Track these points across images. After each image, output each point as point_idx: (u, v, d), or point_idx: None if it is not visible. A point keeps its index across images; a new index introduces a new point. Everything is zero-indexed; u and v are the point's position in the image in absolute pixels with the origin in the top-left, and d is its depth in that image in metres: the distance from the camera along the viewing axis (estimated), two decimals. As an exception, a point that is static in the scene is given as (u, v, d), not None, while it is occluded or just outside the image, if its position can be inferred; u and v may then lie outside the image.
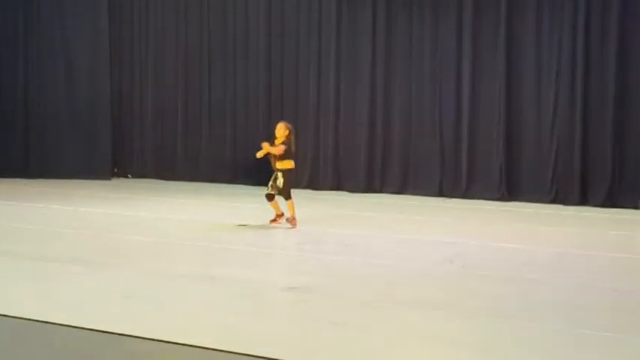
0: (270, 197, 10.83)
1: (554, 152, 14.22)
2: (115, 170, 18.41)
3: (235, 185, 16.42)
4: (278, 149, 10.65)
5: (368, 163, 15.79)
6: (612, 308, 6.76)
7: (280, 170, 10.75)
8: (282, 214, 10.96)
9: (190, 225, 11.21)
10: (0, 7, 17.89)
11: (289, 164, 10.80)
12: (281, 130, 10.80)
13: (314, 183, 16.22)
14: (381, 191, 15.62)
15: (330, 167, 16.14)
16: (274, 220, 11.00)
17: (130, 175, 18.42)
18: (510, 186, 14.57)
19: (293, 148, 10.87)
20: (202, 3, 17.51)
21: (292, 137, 10.84)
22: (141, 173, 18.27)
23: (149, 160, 18.27)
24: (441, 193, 15.08)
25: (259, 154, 10.91)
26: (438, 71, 15.18)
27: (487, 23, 14.76)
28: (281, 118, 16.35)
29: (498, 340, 5.74)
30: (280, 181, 10.71)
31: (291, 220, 10.85)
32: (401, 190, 15.48)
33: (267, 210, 10.87)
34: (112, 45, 18.07)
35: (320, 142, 16.26)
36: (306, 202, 14.13)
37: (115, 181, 17.77)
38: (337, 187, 16.02)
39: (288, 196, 10.80)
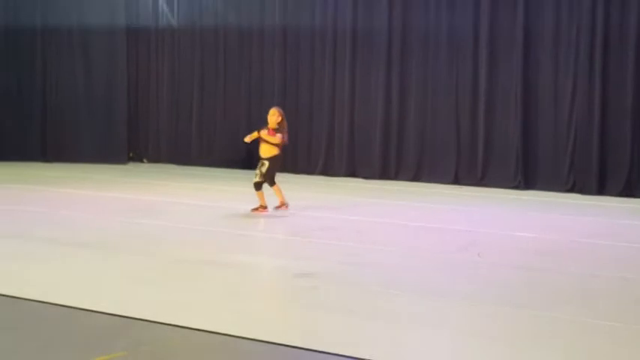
0: (257, 186, 10.65)
1: (572, 141, 14.12)
2: (131, 155, 18.51)
3: (249, 171, 16.35)
4: (276, 138, 10.56)
5: (383, 149, 15.76)
6: (626, 298, 6.71)
7: (266, 158, 10.63)
8: (266, 207, 10.68)
9: (204, 210, 11.23)
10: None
11: (273, 150, 10.64)
12: (274, 116, 10.67)
13: (328, 169, 16.22)
14: (396, 178, 15.59)
15: (344, 154, 16.12)
16: (256, 210, 10.72)
17: (145, 160, 18.50)
18: (527, 174, 14.50)
19: (285, 134, 10.72)
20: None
21: (284, 123, 10.73)
22: (156, 158, 18.36)
23: (164, 146, 18.35)
24: (456, 180, 15.03)
25: (248, 139, 10.83)
26: (455, 58, 15.11)
27: (505, 9, 14.66)
28: (297, 106, 16.51)
29: (510, 329, 5.71)
30: (265, 168, 10.59)
31: (282, 206, 10.75)
32: (416, 177, 15.45)
33: (275, 196, 10.83)
34: (129, 32, 18.13)
35: (335, 129, 16.25)
36: (320, 189, 14.19)
37: (131, 166, 17.88)
38: (352, 173, 16.01)
39: (272, 182, 10.67)
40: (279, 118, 10.68)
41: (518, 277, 7.47)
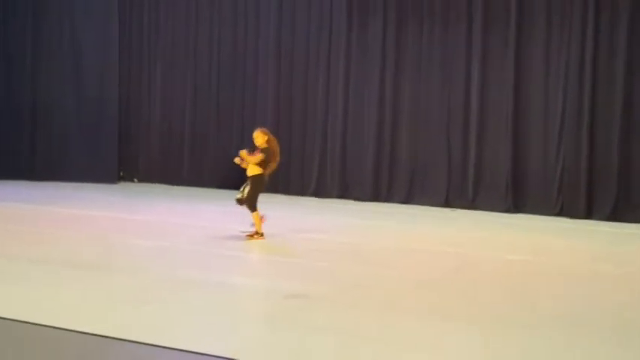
0: (239, 202, 10.41)
1: (561, 165, 14.19)
2: (121, 174, 18.43)
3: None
4: (255, 159, 10.26)
5: (374, 171, 15.77)
6: (617, 322, 6.71)
7: (250, 177, 10.39)
8: (262, 234, 10.38)
9: (194, 230, 11.20)
10: (10, 12, 17.95)
11: (256, 169, 10.31)
12: (259, 137, 10.39)
13: (320, 191, 16.21)
14: (387, 200, 15.58)
15: (336, 176, 16.12)
16: (251, 236, 10.43)
17: (136, 180, 18.43)
18: (517, 198, 14.54)
19: (272, 154, 10.38)
20: (213, 11, 17.56)
21: (273, 144, 10.42)
22: (147, 178, 18.28)
23: (155, 165, 18.28)
24: (447, 203, 15.04)
25: (237, 161, 10.47)
26: (447, 82, 15.17)
27: (496, 35, 14.75)
28: (289, 127, 16.52)
29: (500, 351, 5.71)
30: (247, 189, 10.36)
31: (255, 234, 10.36)
32: (407, 199, 15.45)
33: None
34: (121, 50, 18.12)
35: (327, 150, 16.26)
36: (312, 211, 14.16)
37: (121, 185, 17.80)
38: (343, 195, 16.00)
39: (252, 208, 10.32)
40: (265, 137, 10.39)
41: (509, 300, 7.46)
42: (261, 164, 10.32)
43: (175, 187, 17.40)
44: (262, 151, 10.32)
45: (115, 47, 17.93)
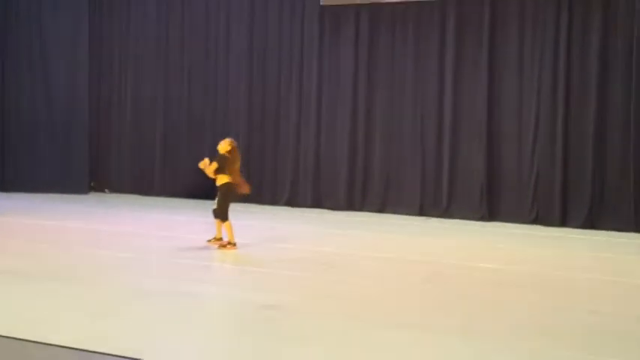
0: (215, 213, 10.40)
1: (535, 174, 14.25)
2: (92, 185, 18.23)
3: (212, 201, 16.28)
4: (210, 169, 10.17)
5: (348, 181, 15.75)
6: (588, 330, 6.67)
7: (218, 186, 10.28)
8: (221, 239, 10.39)
9: (166, 241, 11.06)
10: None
11: (224, 178, 10.20)
12: (221, 145, 10.31)
13: (293, 200, 16.15)
14: (361, 210, 15.56)
15: (310, 185, 16.05)
16: (212, 241, 10.47)
17: (107, 190, 18.23)
18: (491, 206, 14.57)
19: (235, 164, 10.27)
20: (183, 18, 17.49)
21: (235, 153, 10.30)
22: (118, 188, 18.11)
23: (127, 175, 18.11)
24: (421, 212, 15.05)
25: (201, 165, 10.35)
26: (420, 91, 15.21)
27: (469, 46, 14.81)
28: (262, 136, 16.45)
29: (475, 358, 5.65)
30: (218, 197, 10.30)
31: (227, 244, 10.28)
32: (381, 208, 15.43)
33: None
34: (91, 59, 17.95)
35: (300, 160, 16.21)
36: (285, 220, 14.07)
37: (92, 196, 17.60)
38: (317, 204, 15.93)
39: (224, 218, 10.23)
40: (228, 147, 10.29)
41: (482, 309, 7.40)
42: (221, 171, 10.18)
43: (146, 198, 17.26)
44: (218, 157, 10.23)
45: (85, 57, 17.76)
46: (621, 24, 13.59)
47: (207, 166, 10.24)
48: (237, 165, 10.37)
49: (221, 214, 10.27)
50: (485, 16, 14.56)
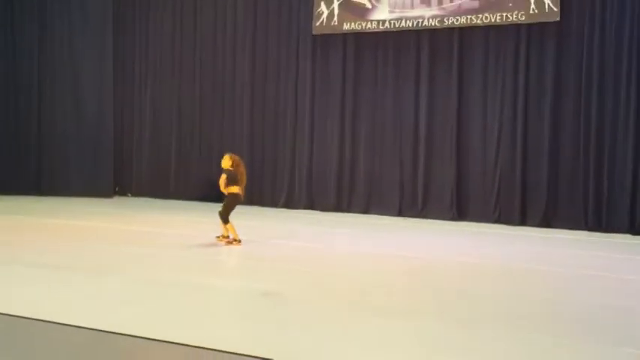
0: (220, 215, 10.42)
1: (498, 180, 14.29)
2: (117, 189, 18.21)
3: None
4: (221, 183, 10.28)
5: (337, 186, 15.77)
6: (548, 316, 6.72)
7: (227, 194, 10.36)
8: (228, 237, 10.40)
9: (180, 239, 11.07)
10: (18, 44, 17.70)
11: (232, 189, 10.31)
12: (225, 161, 10.39)
13: (290, 203, 16.16)
14: (348, 211, 15.57)
15: (304, 190, 16.08)
16: (220, 238, 10.49)
17: (129, 194, 18.21)
18: (460, 208, 14.61)
19: (239, 176, 10.36)
20: (195, 46, 17.49)
21: (239, 165, 10.40)
22: (139, 192, 18.09)
23: (146, 181, 18.09)
24: (400, 213, 15.07)
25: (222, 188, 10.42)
26: (399, 108, 15.23)
27: (441, 69, 14.85)
28: (263, 147, 16.48)
29: (449, 343, 5.68)
30: (224, 204, 10.38)
31: (233, 241, 10.30)
32: (365, 210, 15.45)
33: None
34: (116, 82, 17.92)
35: (295, 168, 16.23)
36: (283, 220, 14.09)
37: (116, 199, 17.57)
38: (310, 206, 15.95)
39: (224, 220, 10.30)
40: (230, 162, 10.37)
41: (457, 298, 7.44)
42: (231, 183, 10.28)
43: (163, 200, 17.24)
44: (225, 172, 10.31)
45: (110, 80, 17.73)
46: (572, 51, 13.68)
47: (221, 184, 10.34)
48: (243, 172, 10.43)
49: (223, 217, 10.35)
50: (455, 44, 14.62)
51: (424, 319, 6.38)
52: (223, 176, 10.33)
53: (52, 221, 12.80)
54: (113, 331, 5.56)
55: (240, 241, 10.32)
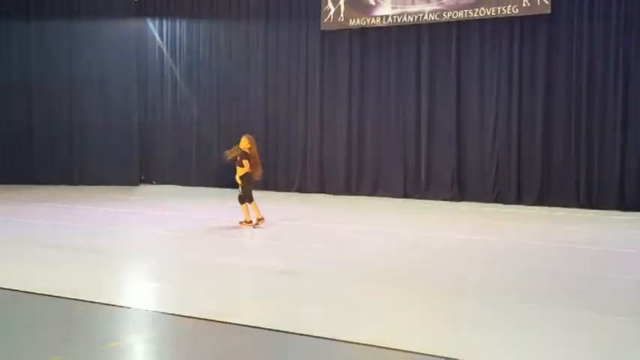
0: (240, 199, 10.40)
1: (495, 162, 14.30)
2: (142, 178, 18.34)
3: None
4: (241, 170, 10.18)
5: (346, 171, 15.82)
6: (551, 287, 6.77)
7: (240, 177, 10.28)
8: (250, 222, 10.34)
9: (202, 222, 11.17)
10: (49, 53, 17.80)
11: (243, 170, 10.20)
12: (244, 142, 10.29)
13: (303, 187, 16.23)
14: (356, 194, 15.63)
15: (316, 175, 16.15)
16: (242, 223, 10.42)
17: (154, 182, 18.34)
18: (460, 188, 14.64)
19: (256, 156, 10.31)
20: (211, 41, 17.51)
21: (254, 147, 10.33)
22: (163, 180, 18.20)
23: (169, 170, 18.19)
24: (405, 194, 15.12)
25: (229, 155, 10.43)
26: (402, 98, 15.23)
27: (441, 61, 14.82)
28: (277, 137, 16.53)
29: (456, 312, 5.75)
30: (241, 186, 10.33)
31: (258, 221, 10.26)
32: (373, 192, 15.50)
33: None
34: (139, 81, 18.01)
35: (307, 155, 16.28)
36: (297, 203, 14.18)
37: (142, 187, 17.70)
38: (322, 190, 16.03)
39: (249, 200, 10.25)
40: (249, 145, 10.30)
41: (459, 271, 7.51)
42: (240, 164, 10.20)
43: (185, 187, 17.35)
44: (242, 154, 10.22)
45: (134, 80, 17.79)
46: (563, 41, 13.63)
47: (238, 166, 10.26)
48: (257, 158, 10.43)
49: (247, 198, 10.33)
50: (453, 37, 14.59)
51: (427, 290, 6.45)
52: (245, 165, 10.18)
53: (84, 208, 12.93)
54: (141, 308, 5.67)
55: (263, 219, 10.33)
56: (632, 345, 4.89)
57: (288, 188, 16.38)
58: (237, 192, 10.58)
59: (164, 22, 18.15)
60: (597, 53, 13.30)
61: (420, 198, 14.83)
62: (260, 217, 10.37)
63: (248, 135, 10.60)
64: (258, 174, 10.51)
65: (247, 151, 10.29)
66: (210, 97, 17.56)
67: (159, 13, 18.19)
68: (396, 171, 15.30)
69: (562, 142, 13.72)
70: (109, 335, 4.94)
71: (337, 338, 4.85)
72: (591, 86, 13.37)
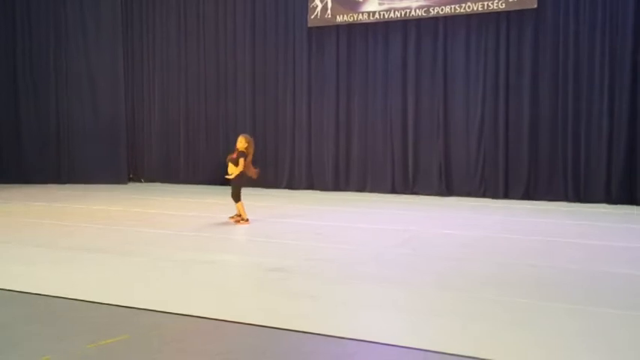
0: (234, 198, 10.37)
1: (482, 156, 14.28)
2: (131, 176, 18.17)
3: (227, 187, 16.21)
4: (236, 169, 10.11)
5: (334, 167, 15.75)
6: (533, 280, 6.72)
7: (232, 175, 10.22)
8: (248, 220, 10.33)
9: (190, 220, 11.04)
10: (35, 49, 17.57)
11: (237, 169, 10.14)
12: (241, 142, 10.17)
13: (292, 184, 16.14)
14: (345, 190, 15.56)
15: (304, 171, 16.05)
16: (232, 218, 10.44)
17: (142, 180, 18.18)
18: (448, 183, 14.60)
19: (250, 156, 10.19)
20: (198, 40, 17.36)
21: (250, 147, 10.19)
22: (151, 178, 18.05)
23: (158, 168, 18.05)
24: (393, 190, 15.06)
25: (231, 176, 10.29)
26: (389, 93, 15.18)
27: (427, 56, 14.78)
28: (264, 135, 16.40)
29: (442, 307, 5.67)
30: (232, 185, 10.27)
31: (241, 220, 10.24)
32: (361, 188, 15.44)
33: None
34: (126, 76, 17.84)
35: (295, 152, 16.19)
36: (286, 200, 14.07)
37: (131, 185, 17.54)
38: (310, 187, 15.94)
39: (237, 199, 10.24)
40: (245, 144, 10.19)
41: (448, 266, 7.43)
42: (236, 163, 10.14)
43: (174, 185, 17.20)
44: (238, 153, 10.14)
45: (121, 75, 17.63)
46: (549, 35, 13.61)
47: (231, 165, 10.16)
48: (251, 157, 10.32)
49: (235, 197, 10.27)
50: (440, 32, 14.53)
51: (418, 286, 6.36)
52: (240, 163, 10.10)
53: (72, 206, 12.75)
54: (132, 306, 5.54)
55: (248, 220, 10.29)
56: (619, 337, 4.80)
57: (277, 185, 16.28)
58: (227, 189, 10.46)
59: (151, 21, 17.96)
60: (584, 47, 13.27)
61: (408, 193, 14.78)
62: (245, 218, 10.33)
63: (245, 135, 10.48)
64: (254, 174, 10.37)
65: (244, 150, 10.19)
66: (197, 95, 17.41)
67: (145, 15, 18.02)
68: (384, 167, 15.23)
69: (549, 136, 13.70)
70: (99, 334, 4.80)
71: (327, 334, 4.75)
72: (578, 80, 13.35)
